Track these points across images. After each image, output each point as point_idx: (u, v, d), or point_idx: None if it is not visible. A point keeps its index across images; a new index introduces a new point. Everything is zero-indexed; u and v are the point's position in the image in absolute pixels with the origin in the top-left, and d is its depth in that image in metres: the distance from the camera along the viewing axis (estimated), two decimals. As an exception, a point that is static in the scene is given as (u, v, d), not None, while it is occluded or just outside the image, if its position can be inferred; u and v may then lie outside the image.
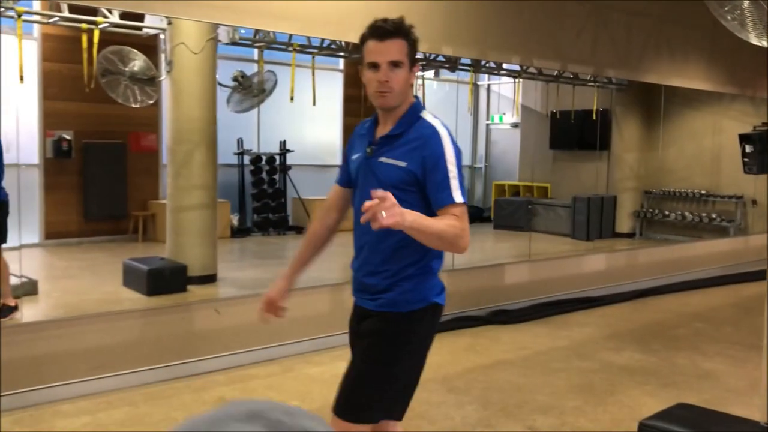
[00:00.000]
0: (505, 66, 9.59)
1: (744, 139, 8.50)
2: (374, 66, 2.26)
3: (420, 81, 8.84)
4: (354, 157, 2.43)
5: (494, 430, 3.91)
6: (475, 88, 13.93)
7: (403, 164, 2.28)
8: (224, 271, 7.80)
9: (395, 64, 2.25)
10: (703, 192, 11.66)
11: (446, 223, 2.20)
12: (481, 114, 14.95)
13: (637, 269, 8.12)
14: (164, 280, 6.93)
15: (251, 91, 7.93)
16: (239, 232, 11.01)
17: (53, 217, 9.53)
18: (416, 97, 2.43)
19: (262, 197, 11.44)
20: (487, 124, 15.05)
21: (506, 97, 14.09)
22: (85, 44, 6.09)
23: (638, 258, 8.43)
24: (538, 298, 6.92)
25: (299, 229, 11.59)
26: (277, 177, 11.73)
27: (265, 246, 10.73)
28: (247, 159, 11.42)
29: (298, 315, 5.36)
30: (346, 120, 12.52)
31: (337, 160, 12.83)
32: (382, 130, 2.37)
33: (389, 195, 1.99)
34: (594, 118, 11.42)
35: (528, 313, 6.57)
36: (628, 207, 12.39)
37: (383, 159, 2.32)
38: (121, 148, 10.04)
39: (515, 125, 14.29)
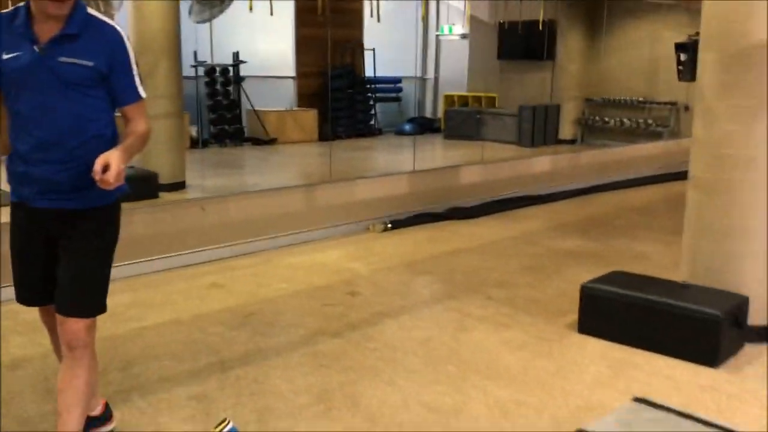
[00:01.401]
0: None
1: (679, 48, 9.09)
2: None
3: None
4: (11, 56, 2.29)
5: (460, 302, 4.49)
6: (426, -2, 14.09)
7: (90, 63, 2.30)
8: (190, 179, 8.12)
9: None
10: (640, 99, 12.35)
11: (140, 135, 2.40)
12: (430, 25, 15.16)
13: (579, 171, 8.78)
14: (136, 187, 7.20)
15: (211, 1, 8.05)
16: (197, 143, 11.22)
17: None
18: None
19: (218, 109, 11.61)
20: (437, 36, 15.30)
21: (456, 8, 14.32)
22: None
23: (581, 160, 9.09)
24: (490, 197, 7.51)
25: (255, 141, 11.86)
26: (231, 89, 11.88)
27: (223, 156, 11.01)
28: (201, 71, 11.50)
29: (274, 213, 5.82)
30: (299, 31, 12.62)
31: (292, 71, 13.01)
32: (49, 29, 2.29)
33: (111, 161, 2.17)
34: (540, 29, 11.84)
35: (482, 209, 7.16)
36: (571, 115, 13.03)
37: (63, 59, 2.28)
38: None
39: (464, 36, 14.60)
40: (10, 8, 2.34)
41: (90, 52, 2.31)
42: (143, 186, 7.24)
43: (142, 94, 2.44)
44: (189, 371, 3.42)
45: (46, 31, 2.29)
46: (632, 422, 2.67)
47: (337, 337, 3.89)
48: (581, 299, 3.99)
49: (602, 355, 3.71)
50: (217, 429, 2.68)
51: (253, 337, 3.84)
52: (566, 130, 13.06)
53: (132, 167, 7.73)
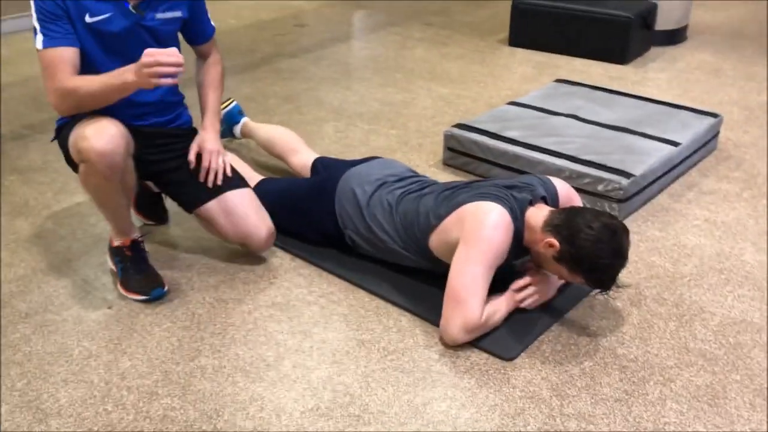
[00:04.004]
0: None
1: None
2: None
3: None
4: (99, 18, 1.97)
5: (402, 28, 4.86)
6: None
7: (179, 14, 2.12)
8: None
9: None
10: None
11: (220, 75, 2.30)
12: None
13: None
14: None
15: None
16: None
17: None
18: None
19: None
20: None
21: None
22: None
23: None
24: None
25: None
26: None
27: None
28: None
29: None
30: None
31: None
32: None
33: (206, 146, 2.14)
34: None
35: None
36: None
37: (160, 15, 2.06)
38: None
39: None
40: None
41: (178, 1, 2.10)
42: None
43: (214, 24, 2.30)
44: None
45: None
46: (553, 94, 3.22)
47: (294, 57, 4.27)
48: (512, 14, 4.42)
49: (528, 59, 4.22)
50: (222, 106, 3.00)
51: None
52: None
53: None
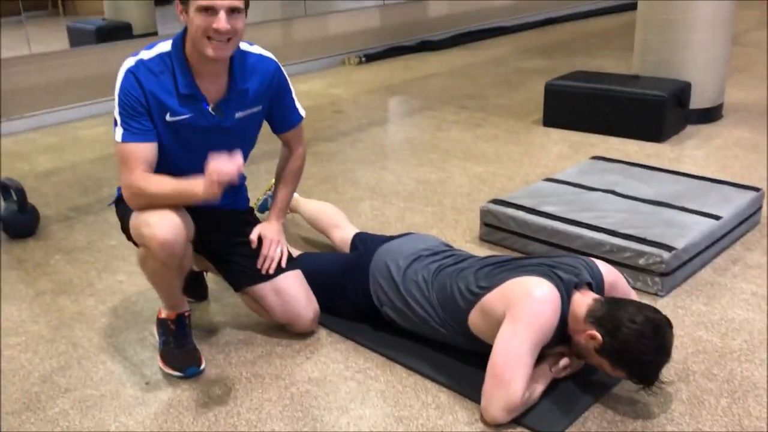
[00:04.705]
0: None
1: None
2: (209, 10, 1.89)
3: None
4: (180, 118, 2.00)
5: (437, 111, 4.97)
6: None
7: (259, 108, 2.14)
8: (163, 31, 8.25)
9: (235, 10, 1.93)
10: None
11: (298, 170, 2.35)
12: None
13: (541, 2, 9.06)
14: (110, 35, 7.39)
15: None
16: None
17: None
18: None
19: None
20: None
21: None
22: None
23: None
24: (458, 29, 7.83)
25: None
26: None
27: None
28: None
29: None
30: None
31: None
32: (213, 80, 2.02)
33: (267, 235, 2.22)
34: None
35: (451, 41, 7.51)
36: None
37: (239, 114, 2.09)
38: None
39: None
40: (152, 54, 2.00)
41: (258, 96, 2.12)
42: (117, 34, 7.42)
43: (302, 112, 2.30)
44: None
45: (211, 83, 2.02)
46: (589, 170, 3.22)
47: (331, 141, 4.37)
48: (545, 95, 4.49)
49: (564, 139, 4.25)
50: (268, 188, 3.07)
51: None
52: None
53: (105, 19, 7.86)
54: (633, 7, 4.85)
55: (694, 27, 4.24)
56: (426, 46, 7.26)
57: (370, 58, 6.82)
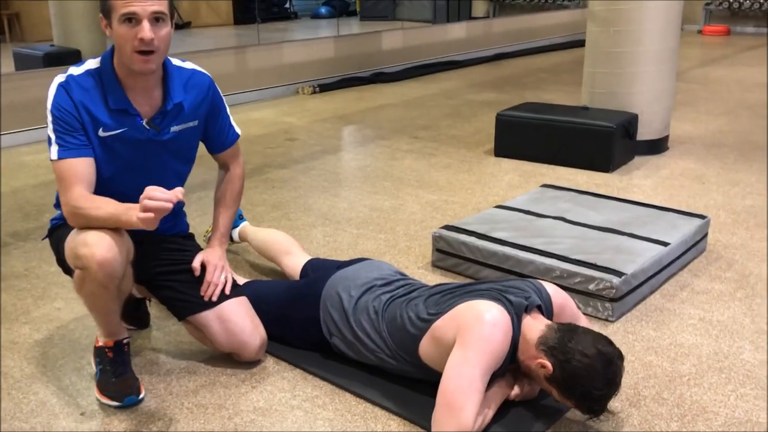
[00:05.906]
0: None
1: None
2: (132, 20, 1.84)
3: None
4: (112, 133, 1.95)
5: (390, 141, 4.97)
6: None
7: (195, 123, 2.10)
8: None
9: (159, 18, 1.87)
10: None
11: (238, 193, 2.29)
12: None
13: (492, 37, 9.24)
14: (58, 61, 7.24)
15: None
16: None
17: None
18: None
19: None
20: None
21: None
22: None
23: (493, 28, 9.53)
24: (410, 62, 7.91)
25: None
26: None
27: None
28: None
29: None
30: None
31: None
32: (148, 97, 1.98)
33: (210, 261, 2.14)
34: None
35: (404, 73, 7.57)
36: (483, -9, 13.34)
37: (175, 128, 2.04)
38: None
39: None
40: (81, 71, 1.95)
41: (194, 110, 2.09)
42: (67, 62, 7.28)
43: (238, 130, 2.28)
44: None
45: (144, 98, 1.98)
46: (540, 198, 3.24)
47: (284, 168, 4.32)
48: (496, 125, 4.53)
49: (515, 168, 4.28)
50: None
51: (206, 171, 4.21)
52: (479, 8, 13.39)
53: (53, 45, 7.71)
54: (583, 43, 4.95)
55: (642, 60, 4.34)
56: (379, 78, 7.31)
57: (324, 88, 6.83)
